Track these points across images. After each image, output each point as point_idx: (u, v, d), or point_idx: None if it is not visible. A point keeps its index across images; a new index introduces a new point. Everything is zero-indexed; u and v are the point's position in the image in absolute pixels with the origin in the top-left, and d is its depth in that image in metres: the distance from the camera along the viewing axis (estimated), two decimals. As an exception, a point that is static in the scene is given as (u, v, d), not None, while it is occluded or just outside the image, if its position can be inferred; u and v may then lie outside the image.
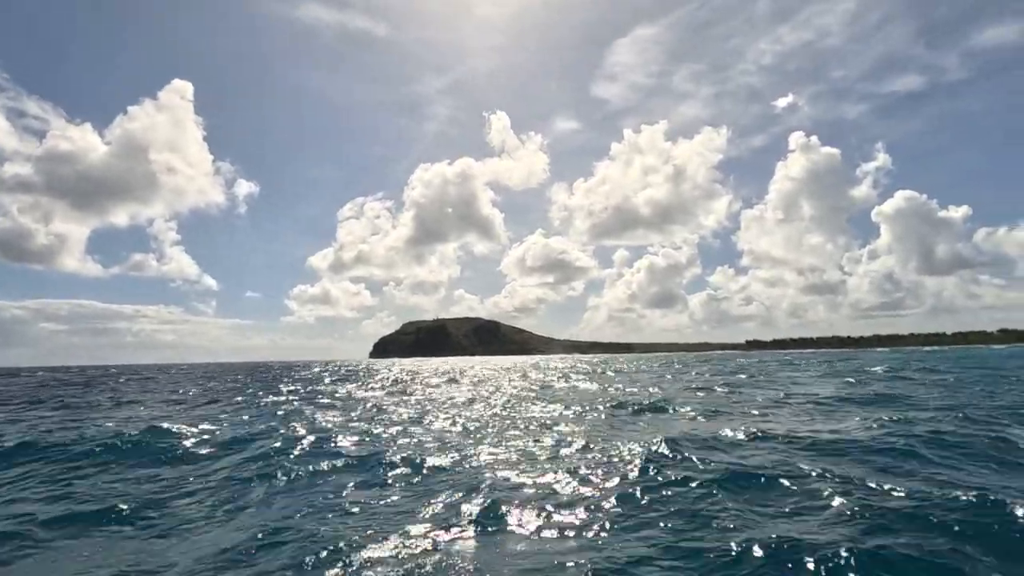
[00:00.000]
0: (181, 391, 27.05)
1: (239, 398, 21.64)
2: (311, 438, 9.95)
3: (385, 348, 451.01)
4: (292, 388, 27.42)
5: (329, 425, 12.29)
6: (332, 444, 9.55)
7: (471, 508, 5.76)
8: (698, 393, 19.41)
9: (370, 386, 28.44)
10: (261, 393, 23.87)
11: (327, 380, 36.66)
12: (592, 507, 5.78)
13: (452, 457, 8.38)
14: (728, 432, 9.40)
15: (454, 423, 12.45)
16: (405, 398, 20.16)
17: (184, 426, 11.86)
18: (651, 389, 21.22)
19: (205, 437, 10.68)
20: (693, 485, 6.23)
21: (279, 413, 15.33)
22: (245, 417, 14.49)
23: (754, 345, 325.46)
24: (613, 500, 5.94)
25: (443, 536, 5.07)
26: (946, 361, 42.12)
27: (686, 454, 7.58)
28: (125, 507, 6.38)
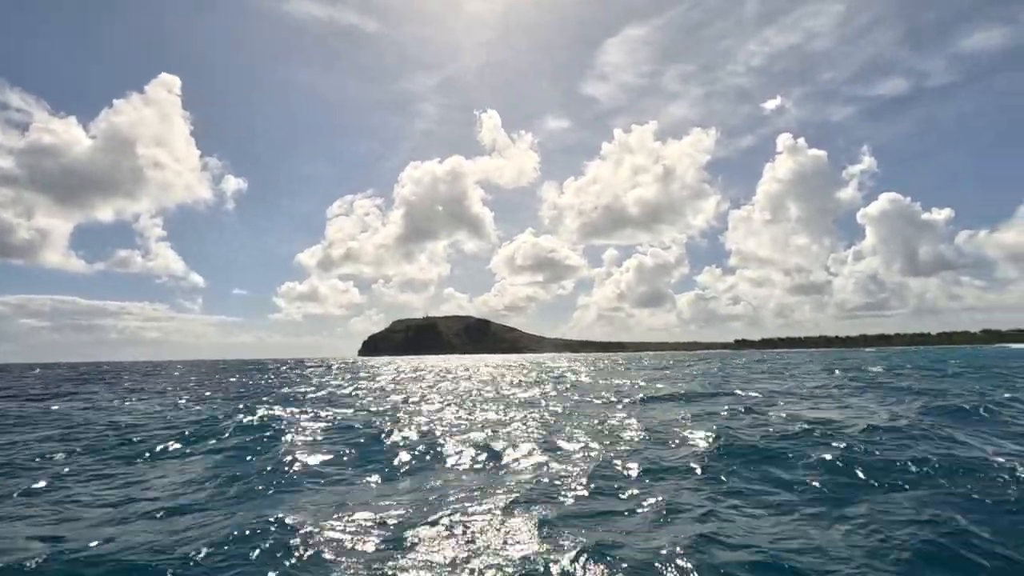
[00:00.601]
0: (192, 384, 27.07)
1: (285, 389, 21.81)
2: (410, 433, 9.93)
3: (375, 346, 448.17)
4: (322, 381, 27.60)
5: (406, 417, 12.59)
6: (432, 435, 9.70)
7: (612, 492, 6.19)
8: (731, 383, 19.84)
9: (399, 381, 28.70)
10: (286, 388, 24.01)
11: (338, 374, 36.79)
12: (742, 496, 6.25)
13: (548, 447, 8.80)
14: (815, 416, 9.94)
15: (511, 408, 12.84)
16: (451, 396, 20.51)
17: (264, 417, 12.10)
18: (679, 383, 21.66)
19: (297, 431, 10.91)
20: (826, 472, 6.73)
21: (355, 397, 15.60)
22: (304, 410, 14.70)
23: (743, 344, 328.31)
24: (755, 477, 6.43)
25: (627, 523, 5.22)
26: (943, 360, 43.01)
27: (796, 442, 8.09)
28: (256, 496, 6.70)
